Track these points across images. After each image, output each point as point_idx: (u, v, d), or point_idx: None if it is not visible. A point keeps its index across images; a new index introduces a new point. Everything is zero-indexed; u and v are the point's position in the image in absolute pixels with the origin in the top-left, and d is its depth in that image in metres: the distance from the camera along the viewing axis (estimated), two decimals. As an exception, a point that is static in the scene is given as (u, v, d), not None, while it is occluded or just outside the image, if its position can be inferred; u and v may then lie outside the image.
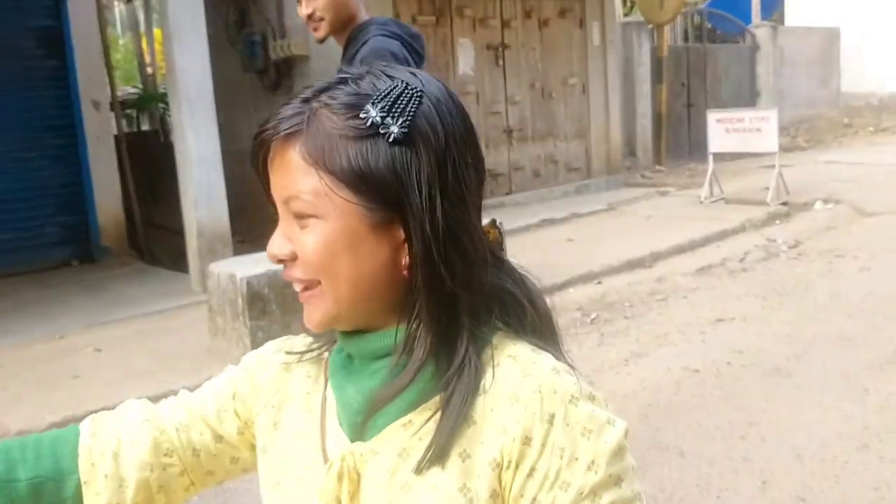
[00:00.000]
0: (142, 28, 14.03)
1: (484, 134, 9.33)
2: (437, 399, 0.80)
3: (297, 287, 0.83)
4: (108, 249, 7.81)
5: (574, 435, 0.77)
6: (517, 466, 0.77)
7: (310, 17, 2.68)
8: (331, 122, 0.77)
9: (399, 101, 0.77)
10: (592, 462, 0.76)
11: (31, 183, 7.41)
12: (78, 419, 3.15)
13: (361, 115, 0.76)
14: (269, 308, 4.49)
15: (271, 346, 0.98)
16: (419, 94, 0.78)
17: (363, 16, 2.72)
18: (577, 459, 0.76)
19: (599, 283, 6.23)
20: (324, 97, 0.79)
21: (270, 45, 8.20)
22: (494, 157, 9.47)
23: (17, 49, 7.37)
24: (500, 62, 9.42)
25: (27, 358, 4.89)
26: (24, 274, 7.09)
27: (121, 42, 17.84)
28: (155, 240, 8.39)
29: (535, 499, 0.77)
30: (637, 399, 4.08)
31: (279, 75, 8.34)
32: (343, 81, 0.80)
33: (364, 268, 0.79)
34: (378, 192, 0.77)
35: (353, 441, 0.84)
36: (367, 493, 0.82)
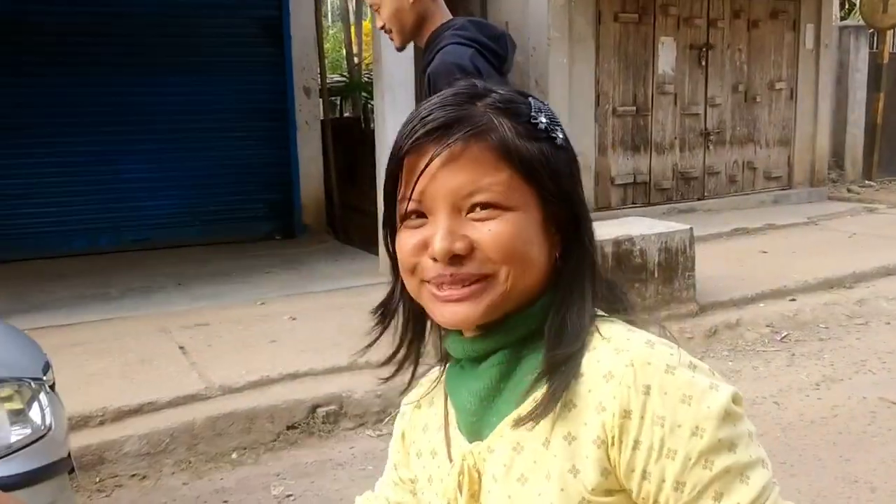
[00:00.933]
0: (352, 19, 14.77)
1: (679, 136, 9.05)
2: (542, 391, 0.83)
3: (456, 286, 0.83)
4: (308, 227, 8.33)
5: (673, 403, 0.77)
6: (621, 441, 0.78)
7: (383, 28, 2.65)
8: (508, 123, 0.84)
9: (551, 113, 0.87)
10: (696, 428, 0.76)
11: (243, 161, 8.03)
12: (273, 381, 3.40)
13: (532, 121, 0.85)
14: (452, 294, 4.62)
15: (405, 400, 1.04)
16: (552, 110, 0.89)
17: (441, 18, 2.56)
18: (679, 426, 0.76)
19: (793, 300, 5.88)
20: (483, 103, 0.85)
21: (471, 39, 8.37)
22: (689, 160, 9.17)
23: (241, 37, 8.01)
24: (703, 62, 9.08)
25: (230, 320, 5.33)
26: (232, 244, 7.72)
27: (331, 32, 18.86)
28: (349, 221, 8.85)
29: (644, 470, 0.77)
30: (826, 426, 3.83)
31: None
32: (486, 91, 0.87)
33: (542, 255, 0.85)
34: (555, 184, 0.85)
35: (471, 442, 0.88)
36: (487, 490, 0.86)
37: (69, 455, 2.58)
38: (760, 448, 0.79)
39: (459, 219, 0.83)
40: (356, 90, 12.55)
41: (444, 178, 0.83)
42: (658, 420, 0.77)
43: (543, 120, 0.86)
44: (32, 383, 2.52)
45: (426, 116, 0.84)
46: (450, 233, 0.83)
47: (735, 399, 0.78)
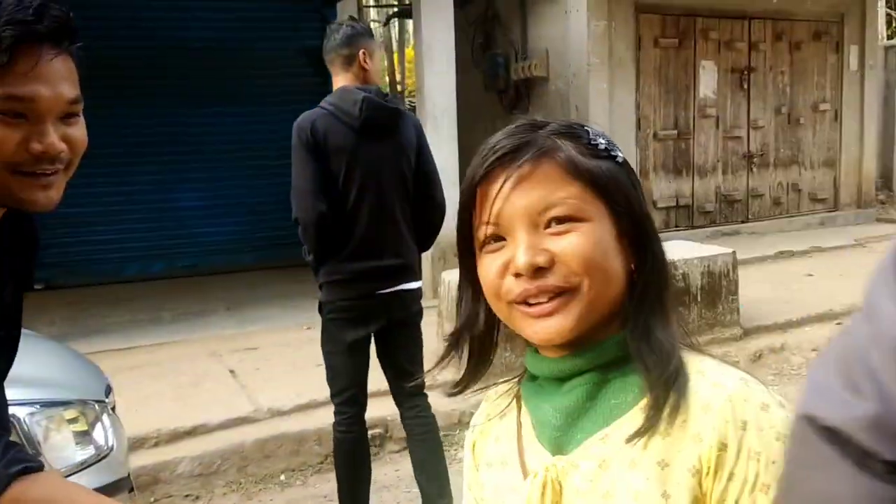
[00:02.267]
0: (394, 47, 15.03)
1: (722, 158, 9.03)
2: (632, 413, 0.87)
3: (542, 298, 0.87)
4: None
5: (768, 440, 0.81)
6: (716, 472, 0.82)
7: None
8: (572, 144, 0.90)
9: (608, 137, 0.93)
10: None
11: (287, 188, 8.20)
12: (320, 404, 3.47)
13: (592, 143, 0.90)
14: (495, 318, 4.69)
15: (475, 417, 1.08)
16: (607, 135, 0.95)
17: (336, 86, 3.09)
18: (773, 463, 0.81)
19: (839, 323, 5.82)
20: (545, 130, 0.91)
21: (512, 67, 8.50)
22: (732, 183, 9.13)
23: (290, 67, 8.24)
24: (745, 85, 9.07)
25: (279, 343, 5.46)
26: (280, 269, 7.88)
27: (374, 60, 19.19)
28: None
29: (736, 502, 0.82)
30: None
31: (517, 96, 8.62)
32: (545, 122, 0.94)
33: (619, 268, 0.89)
34: (623, 199, 0.89)
35: (554, 455, 0.92)
36: (569, 502, 0.90)
37: (129, 475, 2.70)
38: None
39: (538, 234, 0.87)
40: (399, 117, 12.71)
41: (517, 198, 0.87)
42: (754, 455, 0.81)
43: (602, 141, 0.91)
44: (96, 405, 2.65)
45: (495, 145, 0.90)
46: (530, 247, 0.86)
47: None
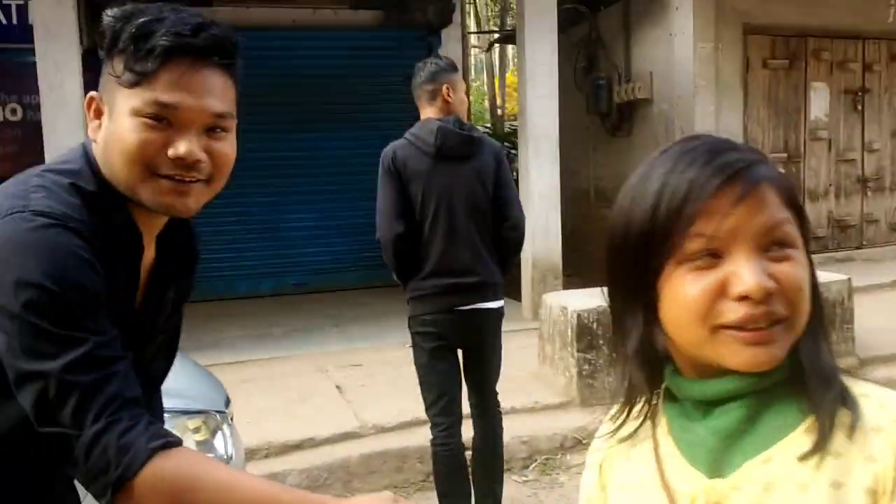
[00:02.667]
0: (495, 72, 15.18)
1: (835, 182, 8.71)
2: (795, 435, 0.86)
3: (762, 324, 0.83)
4: (452, 273, 8.57)
5: None
6: (892, 492, 0.82)
7: None
8: (774, 173, 0.88)
9: None
10: None
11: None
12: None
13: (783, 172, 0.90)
14: (597, 342, 4.68)
15: (599, 434, 1.06)
16: None
17: (423, 117, 3.28)
18: None
19: (964, 356, 5.52)
20: (753, 151, 0.90)
21: (615, 90, 8.48)
22: (845, 208, 8.79)
23: (394, 93, 8.45)
24: (859, 107, 8.74)
25: (383, 361, 5.59)
26: (385, 287, 8.05)
27: (474, 85, 19.41)
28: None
29: None
30: None
31: (621, 118, 8.58)
32: (736, 143, 0.91)
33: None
34: (806, 229, 0.88)
35: (710, 478, 0.89)
36: None
37: (246, 483, 2.83)
38: None
39: (760, 257, 0.83)
40: (500, 141, 12.84)
41: (747, 216, 0.83)
42: None
43: (782, 170, 0.94)
44: (217, 415, 2.80)
45: (718, 161, 0.85)
46: (760, 270, 0.82)
47: None
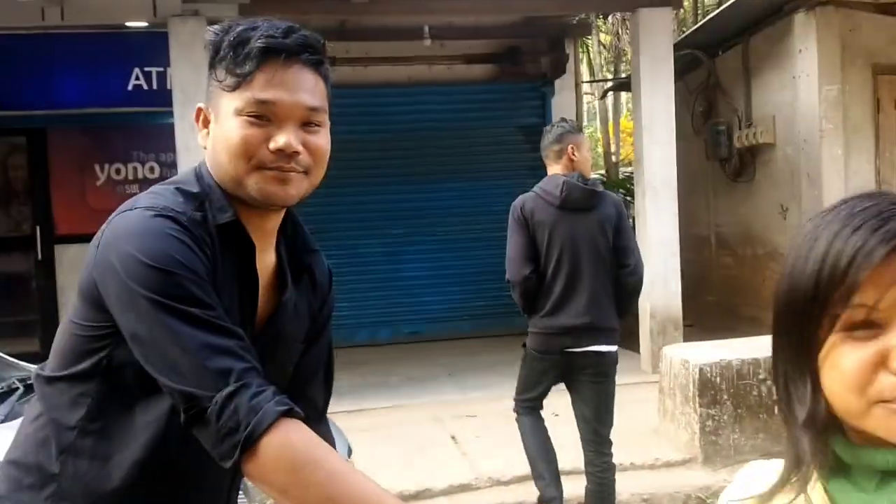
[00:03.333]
0: (609, 118, 15.11)
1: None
2: None
3: None
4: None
5: None
6: None
7: None
8: None
9: None
10: None
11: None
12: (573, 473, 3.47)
13: None
14: (721, 398, 4.50)
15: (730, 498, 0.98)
16: None
17: (549, 174, 3.71)
18: None
19: None
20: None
21: (735, 134, 8.27)
22: None
23: (508, 143, 8.58)
24: None
25: (497, 412, 5.52)
26: (499, 336, 8.06)
27: (588, 131, 19.39)
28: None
29: None
30: None
31: (742, 164, 8.35)
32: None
33: None
34: None
35: None
36: None
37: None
38: None
39: None
40: (614, 187, 12.72)
41: None
42: None
43: None
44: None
45: (884, 226, 0.80)
46: None
47: None
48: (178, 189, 1.30)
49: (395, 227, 8.37)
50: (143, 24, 6.84)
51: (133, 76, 7.64)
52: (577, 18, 8.96)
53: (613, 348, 3.61)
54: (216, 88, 1.30)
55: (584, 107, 18.66)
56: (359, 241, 8.29)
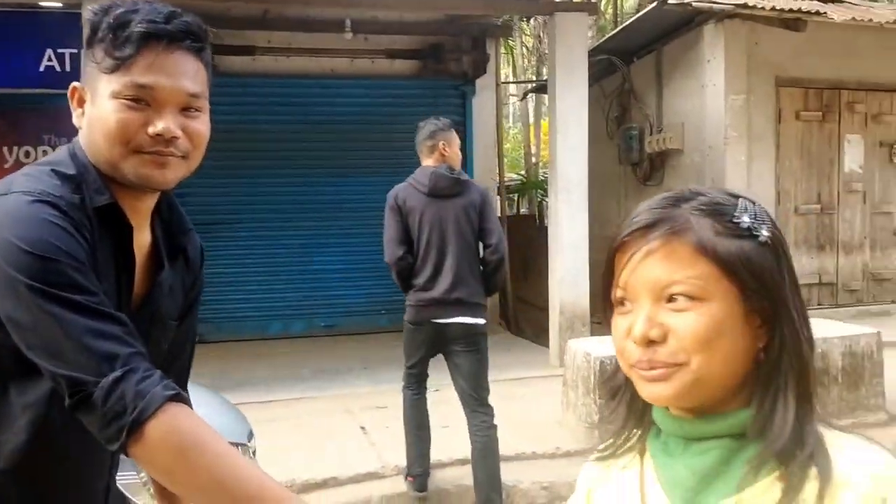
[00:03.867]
0: (531, 120, 15.36)
1: (870, 235, 8.63)
2: (768, 481, 0.89)
3: (656, 365, 0.91)
4: (482, 318, 8.62)
5: None
6: None
7: None
8: (709, 223, 0.92)
9: (757, 212, 0.94)
10: None
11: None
12: (444, 465, 3.65)
13: (735, 220, 0.92)
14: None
15: (592, 458, 1.12)
16: (765, 209, 0.96)
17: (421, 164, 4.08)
18: None
19: None
20: (688, 205, 0.94)
21: (646, 139, 8.56)
22: (881, 261, 8.69)
23: (429, 140, 8.63)
24: (895, 160, 8.69)
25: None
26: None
27: (511, 133, 19.63)
28: (522, 314, 9.07)
29: None
30: None
31: (652, 168, 8.64)
32: (693, 195, 0.96)
33: (735, 348, 0.90)
34: (755, 280, 0.90)
35: None
36: None
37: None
38: None
39: (658, 307, 0.91)
40: (532, 188, 12.96)
41: (644, 271, 0.91)
42: None
43: (746, 219, 0.92)
44: (239, 448, 2.88)
45: (636, 217, 0.95)
46: (648, 319, 0.90)
47: None
48: (53, 171, 1.28)
49: (311, 219, 8.34)
50: (58, 4, 6.65)
51: (45, 57, 7.39)
52: (500, 20, 9.11)
53: (481, 321, 3.96)
54: (93, 69, 1.29)
55: (510, 108, 18.92)
56: (274, 233, 8.23)
